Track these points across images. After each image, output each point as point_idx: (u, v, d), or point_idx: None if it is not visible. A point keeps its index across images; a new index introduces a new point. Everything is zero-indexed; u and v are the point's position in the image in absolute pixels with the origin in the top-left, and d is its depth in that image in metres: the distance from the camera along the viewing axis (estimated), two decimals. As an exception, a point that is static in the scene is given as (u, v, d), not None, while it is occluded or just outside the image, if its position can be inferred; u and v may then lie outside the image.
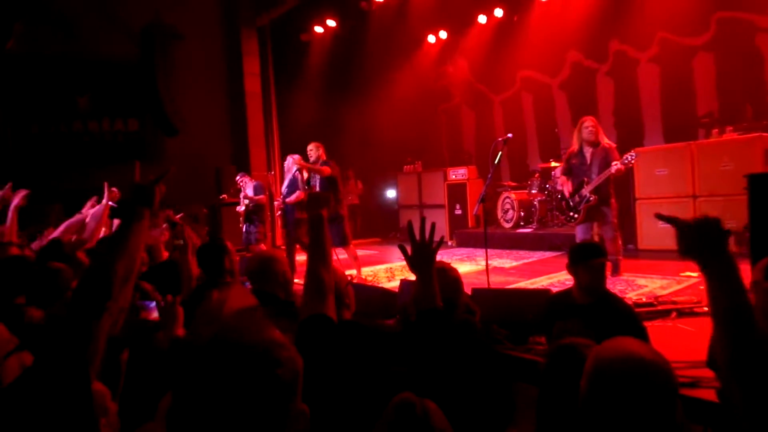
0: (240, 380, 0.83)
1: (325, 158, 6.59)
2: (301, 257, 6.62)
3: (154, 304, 1.87)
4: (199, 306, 1.73)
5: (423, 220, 1.68)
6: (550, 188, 8.60)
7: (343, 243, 6.43)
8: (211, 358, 0.85)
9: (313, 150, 6.57)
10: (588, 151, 5.58)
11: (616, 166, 5.22)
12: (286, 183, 7.26)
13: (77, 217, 4.29)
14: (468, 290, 3.88)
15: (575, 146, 5.72)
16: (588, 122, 5.63)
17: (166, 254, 3.74)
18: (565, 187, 5.84)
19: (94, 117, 10.08)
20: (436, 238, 1.71)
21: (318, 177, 6.47)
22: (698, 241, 1.30)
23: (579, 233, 5.70)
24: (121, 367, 1.69)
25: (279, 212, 7.64)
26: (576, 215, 5.68)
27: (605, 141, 5.59)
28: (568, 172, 5.83)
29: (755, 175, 2.63)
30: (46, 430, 0.96)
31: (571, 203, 5.68)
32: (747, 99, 7.34)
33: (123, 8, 9.64)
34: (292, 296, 2.65)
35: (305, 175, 6.59)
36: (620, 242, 5.66)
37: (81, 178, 9.35)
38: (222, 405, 0.82)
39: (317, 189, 6.46)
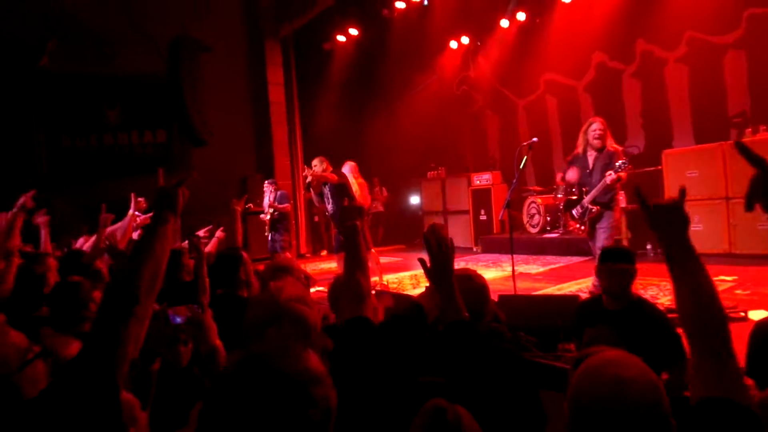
0: (269, 411, 0.79)
1: (331, 170, 6.65)
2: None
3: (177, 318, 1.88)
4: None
5: (433, 228, 1.66)
6: (563, 195, 8.24)
7: (365, 249, 6.44)
8: (243, 378, 0.82)
9: (318, 165, 6.63)
10: (591, 156, 4.97)
11: (610, 176, 4.71)
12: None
13: (101, 233, 4.29)
14: (495, 297, 3.84)
15: (579, 149, 5.14)
16: (596, 124, 5.00)
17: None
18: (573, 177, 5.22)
19: (124, 129, 10.34)
20: (455, 245, 1.68)
21: (328, 187, 6.51)
22: (661, 222, 1.34)
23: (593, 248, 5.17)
24: (152, 378, 1.71)
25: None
26: (582, 226, 5.16)
27: (611, 145, 4.99)
28: (572, 178, 5.20)
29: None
30: None
31: (575, 215, 5.19)
32: (781, 97, 7.13)
33: (150, 23, 9.88)
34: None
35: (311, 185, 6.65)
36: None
37: (112, 190, 9.59)
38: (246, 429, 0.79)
39: (329, 199, 6.50)
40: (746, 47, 7.74)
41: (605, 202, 4.88)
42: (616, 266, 2.60)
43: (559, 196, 8.93)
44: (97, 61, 9.73)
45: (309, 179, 6.58)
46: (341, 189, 6.43)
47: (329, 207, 6.58)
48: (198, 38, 9.73)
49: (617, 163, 4.72)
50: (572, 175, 5.11)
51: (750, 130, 6.94)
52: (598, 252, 3.90)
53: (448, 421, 1.01)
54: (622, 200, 5.25)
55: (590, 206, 4.96)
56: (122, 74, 9.97)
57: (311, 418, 0.80)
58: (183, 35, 9.54)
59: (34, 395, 1.06)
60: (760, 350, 2.08)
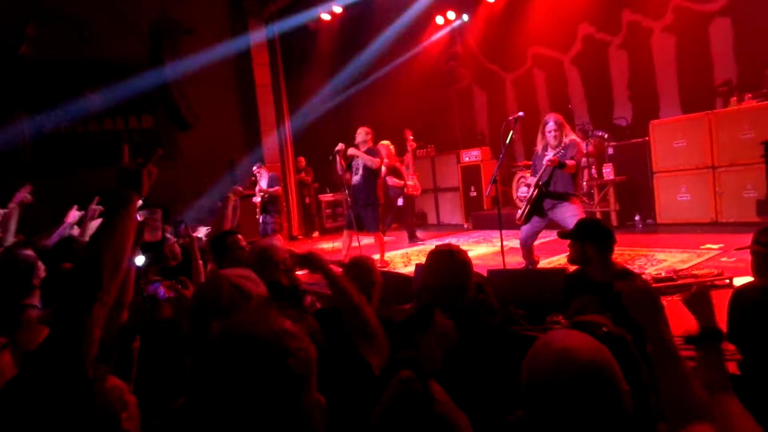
0: (249, 372, 0.82)
1: (372, 145, 6.65)
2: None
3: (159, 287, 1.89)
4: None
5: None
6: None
7: (375, 229, 6.50)
8: (220, 350, 0.85)
9: (361, 134, 6.63)
10: (550, 153, 4.89)
11: (548, 156, 4.74)
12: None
13: (63, 226, 4.22)
14: (484, 272, 3.87)
15: (538, 147, 5.15)
16: (551, 123, 4.95)
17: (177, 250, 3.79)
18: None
19: (109, 115, 10.21)
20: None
21: (361, 163, 6.50)
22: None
23: (522, 232, 5.15)
24: (132, 356, 1.72)
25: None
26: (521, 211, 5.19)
27: (569, 137, 4.92)
28: (534, 172, 5.20)
29: (773, 142, 2.56)
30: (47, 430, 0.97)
31: (521, 197, 5.23)
32: (766, 65, 7.13)
33: (129, 5, 9.69)
34: (297, 282, 2.67)
35: (344, 160, 6.61)
36: None
37: (99, 178, 9.51)
38: (232, 397, 0.81)
39: (359, 170, 6.52)
40: (732, 14, 7.71)
41: (560, 193, 4.81)
42: (568, 242, 2.75)
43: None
44: (78, 45, 9.56)
45: (340, 149, 6.54)
46: (373, 171, 6.48)
47: (356, 178, 6.57)
48: (179, 20, 9.55)
49: (561, 151, 4.72)
50: (532, 181, 5.09)
51: (735, 98, 6.97)
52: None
53: (416, 391, 1.03)
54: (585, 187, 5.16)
55: (532, 187, 4.97)
56: (104, 59, 9.80)
57: (292, 369, 0.84)
58: (163, 17, 9.37)
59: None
60: (739, 316, 2.13)
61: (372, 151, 6.59)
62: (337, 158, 6.55)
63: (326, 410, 0.90)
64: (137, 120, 10.43)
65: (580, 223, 2.87)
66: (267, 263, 2.64)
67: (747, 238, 2.23)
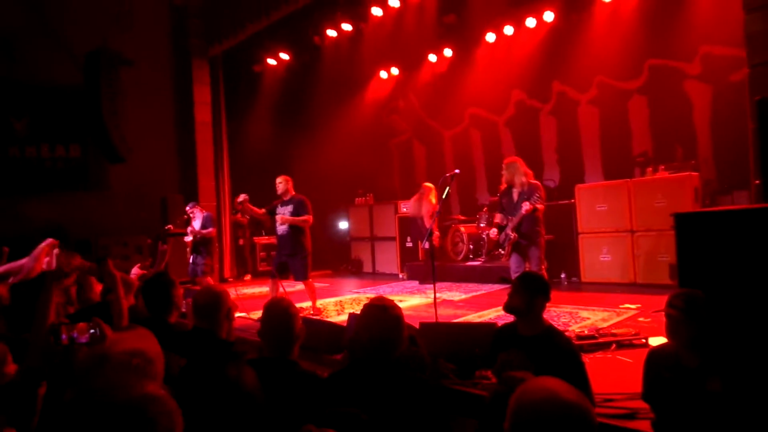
0: None
1: (293, 192, 6.53)
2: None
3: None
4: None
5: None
6: (485, 225, 8.80)
7: (304, 277, 6.37)
8: (75, 418, 0.80)
9: (282, 183, 6.50)
10: (515, 191, 5.73)
11: (525, 206, 5.39)
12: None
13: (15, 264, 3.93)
14: (416, 324, 3.89)
15: (503, 185, 5.90)
16: (505, 164, 5.81)
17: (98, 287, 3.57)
18: (499, 222, 5.97)
19: (33, 142, 9.66)
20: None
21: (286, 214, 6.40)
22: None
23: (512, 266, 5.80)
24: (35, 402, 1.57)
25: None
26: (502, 251, 6.06)
27: (530, 180, 5.71)
28: (501, 210, 5.97)
29: (681, 214, 2.79)
30: None
31: (500, 241, 5.94)
32: (677, 140, 7.85)
33: (68, 32, 9.41)
34: (232, 335, 2.62)
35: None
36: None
37: (17, 206, 8.89)
38: None
39: (285, 225, 6.38)
40: (648, 93, 8.49)
41: (529, 234, 5.58)
42: (512, 288, 2.83)
43: (482, 225, 9.26)
44: (4, 65, 9.11)
45: (243, 200, 6.43)
46: (299, 214, 6.33)
47: (281, 228, 6.41)
48: (119, 51, 9.35)
49: (534, 196, 5.34)
50: (498, 218, 5.97)
51: (651, 169, 7.57)
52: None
53: None
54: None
55: (511, 233, 5.67)
56: (33, 83, 9.37)
57: None
58: (103, 47, 9.13)
59: None
60: (653, 376, 2.25)
61: (300, 206, 6.41)
62: (240, 211, 6.48)
63: None
64: (64, 149, 9.94)
65: (531, 277, 2.96)
66: (213, 310, 2.59)
67: (661, 300, 2.38)
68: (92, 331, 1.71)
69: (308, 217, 6.41)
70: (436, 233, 8.76)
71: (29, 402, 1.57)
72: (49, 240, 3.32)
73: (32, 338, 1.80)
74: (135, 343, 1.48)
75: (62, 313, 3.01)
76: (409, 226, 10.24)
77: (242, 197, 6.49)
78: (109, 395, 0.83)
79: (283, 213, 6.40)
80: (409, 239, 10.22)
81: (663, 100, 8.29)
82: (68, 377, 1.82)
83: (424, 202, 8.03)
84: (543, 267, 5.70)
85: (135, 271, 4.20)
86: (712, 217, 2.82)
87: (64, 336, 1.64)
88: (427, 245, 5.43)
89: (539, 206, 5.43)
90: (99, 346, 1.55)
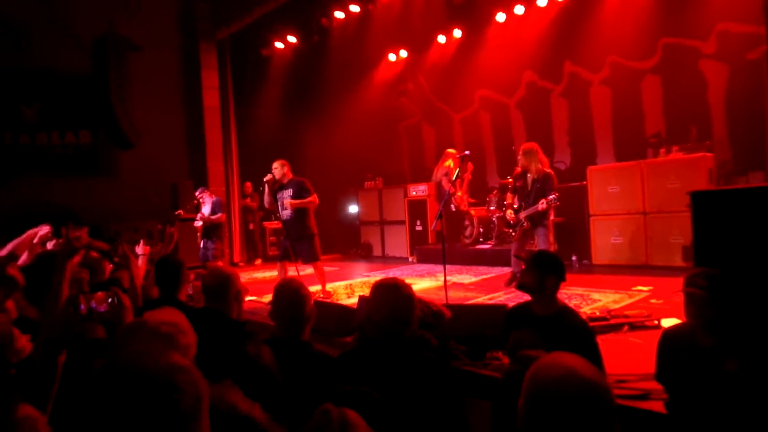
0: (129, 407, 0.78)
1: (291, 176, 6.50)
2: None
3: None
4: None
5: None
6: (495, 207, 8.84)
7: (313, 259, 6.36)
8: (100, 385, 0.81)
9: (278, 168, 6.46)
10: (530, 177, 6.03)
11: (542, 205, 5.71)
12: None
13: (25, 236, 4.02)
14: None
15: (518, 169, 6.19)
16: (522, 150, 6.10)
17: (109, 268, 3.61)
18: (511, 203, 6.38)
19: (43, 129, 9.71)
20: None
21: (287, 197, 6.36)
22: None
23: (513, 248, 6.19)
24: (56, 371, 1.59)
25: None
26: (513, 232, 6.48)
27: (545, 168, 5.99)
28: (513, 191, 6.32)
29: (697, 192, 2.73)
30: None
31: (511, 222, 6.29)
32: (692, 120, 7.70)
33: (76, 18, 9.38)
34: (242, 317, 2.63)
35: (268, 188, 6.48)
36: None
37: (29, 193, 8.97)
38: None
39: (289, 209, 6.35)
40: (662, 73, 8.33)
41: (539, 220, 5.92)
42: (527, 267, 2.80)
43: (492, 208, 9.20)
44: (14, 55, 9.12)
45: (269, 179, 6.38)
46: (301, 198, 6.31)
47: (285, 212, 6.37)
48: (127, 36, 9.32)
49: (551, 197, 5.71)
50: (509, 199, 6.40)
51: (664, 150, 7.45)
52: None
53: (333, 421, 1.07)
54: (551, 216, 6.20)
55: (524, 221, 6.01)
56: (42, 70, 9.38)
57: (178, 404, 0.81)
58: (111, 32, 9.11)
59: None
60: (667, 357, 2.22)
61: (301, 188, 6.35)
62: (266, 189, 6.45)
63: None
64: (74, 135, 9.98)
65: (544, 255, 2.94)
66: (222, 292, 2.61)
67: (674, 282, 2.35)
68: (110, 300, 1.73)
69: (313, 198, 6.37)
70: (459, 194, 8.77)
71: (48, 372, 1.59)
72: (45, 228, 3.37)
73: (46, 311, 1.83)
74: (168, 317, 1.52)
75: (86, 288, 3.05)
76: (419, 209, 10.22)
77: (269, 176, 6.42)
78: (137, 364, 0.83)
79: (284, 197, 6.38)
80: (418, 223, 10.19)
81: (677, 79, 8.13)
82: (85, 347, 1.84)
83: (440, 167, 8.46)
84: (552, 249, 5.75)
85: (141, 248, 4.26)
86: (729, 195, 2.77)
87: (83, 306, 1.66)
88: (438, 227, 5.41)
89: (545, 206, 5.76)
90: (136, 318, 1.59)
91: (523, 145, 6.21)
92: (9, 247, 3.84)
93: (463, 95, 10.93)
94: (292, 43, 11.05)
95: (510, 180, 6.70)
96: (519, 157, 6.16)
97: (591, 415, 1.07)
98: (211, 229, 7.85)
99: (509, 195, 6.38)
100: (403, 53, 11.39)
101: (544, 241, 5.92)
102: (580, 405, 1.06)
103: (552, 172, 6.05)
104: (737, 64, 7.47)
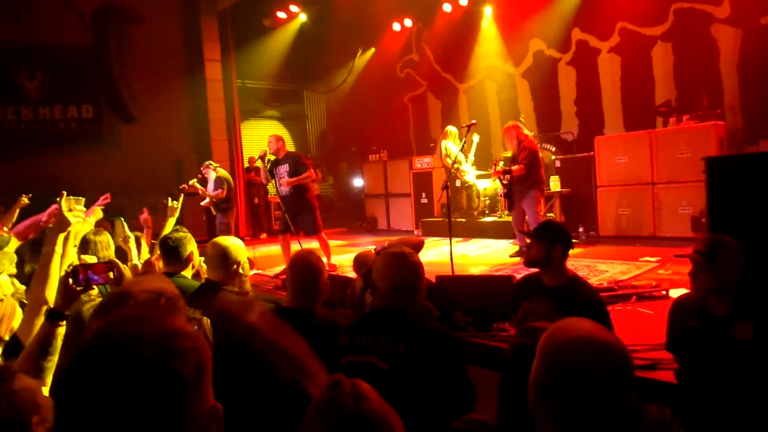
0: (126, 374, 0.73)
1: (286, 151, 6.45)
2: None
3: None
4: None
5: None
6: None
7: (315, 232, 6.34)
8: (94, 351, 0.76)
9: (272, 143, 6.40)
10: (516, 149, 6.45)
11: (513, 169, 6.16)
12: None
13: (36, 217, 4.03)
14: (432, 278, 3.86)
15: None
16: (502, 132, 6.67)
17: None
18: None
19: (46, 103, 9.65)
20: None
21: (284, 173, 6.32)
22: None
23: (513, 222, 6.58)
24: (56, 343, 1.57)
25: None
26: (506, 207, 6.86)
27: (526, 140, 6.27)
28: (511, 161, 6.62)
29: (713, 158, 2.66)
30: None
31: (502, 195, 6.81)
32: (703, 88, 7.52)
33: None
34: (243, 288, 2.61)
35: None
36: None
37: (32, 167, 8.95)
38: (108, 403, 0.72)
39: (282, 182, 6.30)
40: (673, 39, 8.11)
41: (522, 192, 6.21)
42: (533, 240, 2.73)
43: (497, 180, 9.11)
44: (15, 29, 9.00)
45: (263, 155, 6.40)
46: (297, 173, 6.26)
47: (282, 189, 6.35)
48: (127, 7, 9.15)
49: (521, 158, 6.13)
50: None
51: (674, 119, 7.31)
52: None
53: (346, 392, 1.05)
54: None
55: (503, 190, 6.63)
56: (44, 44, 9.27)
57: (179, 370, 0.76)
58: (110, 3, 8.95)
59: None
60: (679, 325, 2.18)
61: (297, 162, 6.30)
62: (261, 165, 6.40)
63: (223, 419, 0.82)
64: (77, 109, 9.91)
65: (548, 226, 2.88)
66: (223, 262, 2.59)
67: (682, 252, 2.28)
68: (109, 271, 1.70)
69: (310, 173, 6.32)
70: (457, 167, 8.63)
71: (47, 343, 1.57)
72: (54, 206, 3.33)
73: (32, 288, 1.81)
74: (154, 284, 1.48)
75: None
76: (424, 182, 10.14)
77: (263, 152, 6.44)
78: (138, 328, 0.78)
79: (280, 173, 6.34)
80: (423, 195, 10.13)
81: (688, 46, 7.92)
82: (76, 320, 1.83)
83: (438, 148, 8.58)
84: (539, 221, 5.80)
85: (144, 216, 4.28)
86: (744, 161, 2.69)
87: (81, 276, 1.63)
88: (443, 199, 5.33)
89: (513, 169, 6.10)
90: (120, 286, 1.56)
91: (503, 128, 6.68)
92: (20, 226, 3.84)
93: (468, 65, 10.73)
94: (294, 13, 10.84)
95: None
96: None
97: (609, 379, 1.03)
98: (217, 204, 7.85)
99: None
100: (408, 22, 11.15)
101: (531, 213, 6.12)
102: (601, 368, 1.03)
103: (530, 144, 6.25)
104: (751, 29, 7.26)
